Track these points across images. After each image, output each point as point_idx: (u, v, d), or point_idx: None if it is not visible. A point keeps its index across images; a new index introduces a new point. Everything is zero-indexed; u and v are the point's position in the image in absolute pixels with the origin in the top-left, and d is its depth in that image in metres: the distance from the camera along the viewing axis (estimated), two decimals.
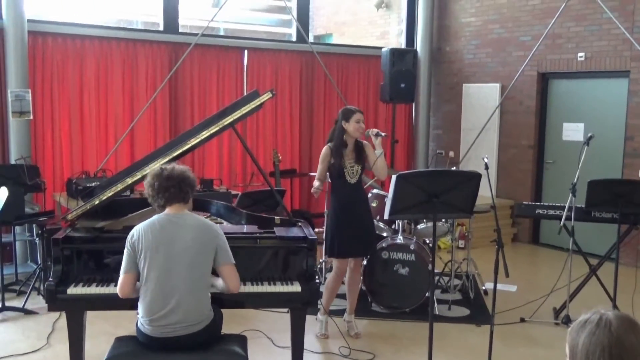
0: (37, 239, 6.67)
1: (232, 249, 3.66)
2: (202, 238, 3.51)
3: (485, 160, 4.35)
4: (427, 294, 5.83)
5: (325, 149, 5.24)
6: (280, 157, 7.85)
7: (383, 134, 5.19)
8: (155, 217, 3.57)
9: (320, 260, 6.53)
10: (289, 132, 9.19)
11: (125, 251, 3.49)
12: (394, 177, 4.01)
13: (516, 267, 7.14)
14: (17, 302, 5.95)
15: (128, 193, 5.64)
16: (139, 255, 3.44)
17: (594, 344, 1.76)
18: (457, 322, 5.83)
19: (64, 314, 5.47)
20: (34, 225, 6.80)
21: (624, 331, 1.77)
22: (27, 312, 5.79)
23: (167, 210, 3.58)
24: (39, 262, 6.45)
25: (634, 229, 5.81)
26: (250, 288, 3.90)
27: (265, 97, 4.31)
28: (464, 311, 6.11)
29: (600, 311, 1.83)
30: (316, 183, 5.23)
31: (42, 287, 6.14)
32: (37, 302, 5.99)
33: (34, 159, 7.15)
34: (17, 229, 6.82)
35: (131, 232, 3.52)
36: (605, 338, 1.76)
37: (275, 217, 4.42)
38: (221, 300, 3.80)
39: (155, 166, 3.95)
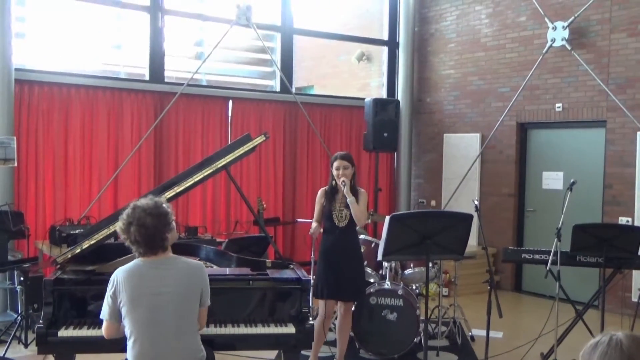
0: (19, 286, 6.54)
1: (225, 290, 3.65)
2: (190, 284, 3.38)
3: (476, 202, 4.41)
4: (415, 340, 5.81)
5: (320, 191, 5.37)
6: (265, 205, 7.85)
7: (344, 183, 5.16)
8: (135, 263, 3.37)
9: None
10: (273, 180, 9.23)
11: (106, 299, 3.33)
12: (387, 218, 4.05)
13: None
14: None
15: (113, 239, 5.59)
16: (120, 306, 3.28)
17: None
18: None
19: None
20: (15, 273, 6.67)
21: (636, 349, 1.81)
22: None
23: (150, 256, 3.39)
24: (20, 311, 6.31)
25: (619, 273, 5.87)
26: (243, 330, 3.88)
27: (259, 140, 4.37)
28: (452, 357, 6.08)
29: (610, 332, 1.88)
30: (314, 224, 5.35)
31: (23, 336, 6.01)
32: (18, 351, 5.86)
33: (16, 206, 7.08)
34: None
35: (111, 279, 3.34)
36: (618, 357, 1.79)
37: (267, 260, 4.42)
38: (212, 342, 3.76)
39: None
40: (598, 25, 8.18)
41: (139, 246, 3.34)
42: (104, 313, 3.36)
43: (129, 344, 3.32)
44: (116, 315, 3.32)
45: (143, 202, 3.40)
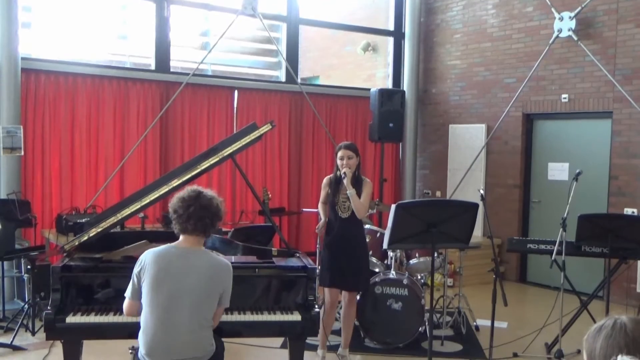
0: (26, 275, 6.59)
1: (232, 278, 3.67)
2: (212, 281, 3.38)
3: (481, 191, 4.42)
4: (420, 329, 5.84)
5: (325, 179, 5.43)
6: (270, 195, 7.86)
7: (344, 175, 5.21)
8: (165, 247, 3.42)
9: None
10: (278, 170, 9.25)
11: (132, 279, 3.40)
12: (393, 207, 4.06)
13: None
14: (5, 339, 5.84)
15: (119, 228, 5.61)
16: (142, 285, 3.34)
17: (611, 346, 1.82)
18: (451, 357, 5.81)
19: (53, 350, 5.47)
20: (22, 261, 6.72)
21: None
22: (15, 349, 5.68)
23: (183, 240, 3.47)
24: (27, 299, 6.36)
25: (624, 264, 5.88)
26: (250, 317, 3.91)
27: (265, 128, 4.38)
28: (457, 346, 6.10)
29: (614, 316, 1.90)
30: (320, 211, 5.44)
31: (30, 324, 6.06)
32: (25, 338, 5.90)
33: (23, 195, 7.11)
34: (5, 264, 6.74)
35: (139, 259, 3.40)
36: (622, 340, 1.81)
37: (273, 249, 4.44)
38: (220, 330, 3.79)
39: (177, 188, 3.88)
40: (605, 15, 8.15)
41: (179, 220, 3.42)
42: (127, 292, 3.43)
43: (142, 329, 3.36)
44: (138, 295, 3.38)
45: (208, 197, 3.51)
